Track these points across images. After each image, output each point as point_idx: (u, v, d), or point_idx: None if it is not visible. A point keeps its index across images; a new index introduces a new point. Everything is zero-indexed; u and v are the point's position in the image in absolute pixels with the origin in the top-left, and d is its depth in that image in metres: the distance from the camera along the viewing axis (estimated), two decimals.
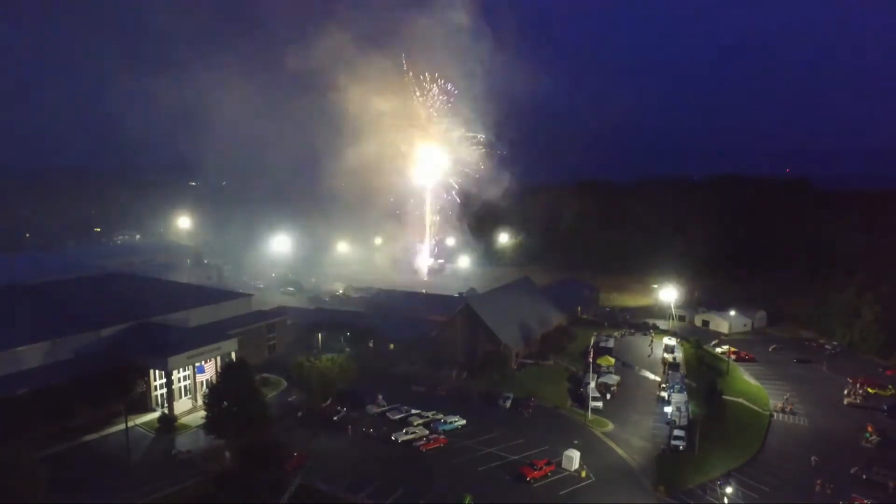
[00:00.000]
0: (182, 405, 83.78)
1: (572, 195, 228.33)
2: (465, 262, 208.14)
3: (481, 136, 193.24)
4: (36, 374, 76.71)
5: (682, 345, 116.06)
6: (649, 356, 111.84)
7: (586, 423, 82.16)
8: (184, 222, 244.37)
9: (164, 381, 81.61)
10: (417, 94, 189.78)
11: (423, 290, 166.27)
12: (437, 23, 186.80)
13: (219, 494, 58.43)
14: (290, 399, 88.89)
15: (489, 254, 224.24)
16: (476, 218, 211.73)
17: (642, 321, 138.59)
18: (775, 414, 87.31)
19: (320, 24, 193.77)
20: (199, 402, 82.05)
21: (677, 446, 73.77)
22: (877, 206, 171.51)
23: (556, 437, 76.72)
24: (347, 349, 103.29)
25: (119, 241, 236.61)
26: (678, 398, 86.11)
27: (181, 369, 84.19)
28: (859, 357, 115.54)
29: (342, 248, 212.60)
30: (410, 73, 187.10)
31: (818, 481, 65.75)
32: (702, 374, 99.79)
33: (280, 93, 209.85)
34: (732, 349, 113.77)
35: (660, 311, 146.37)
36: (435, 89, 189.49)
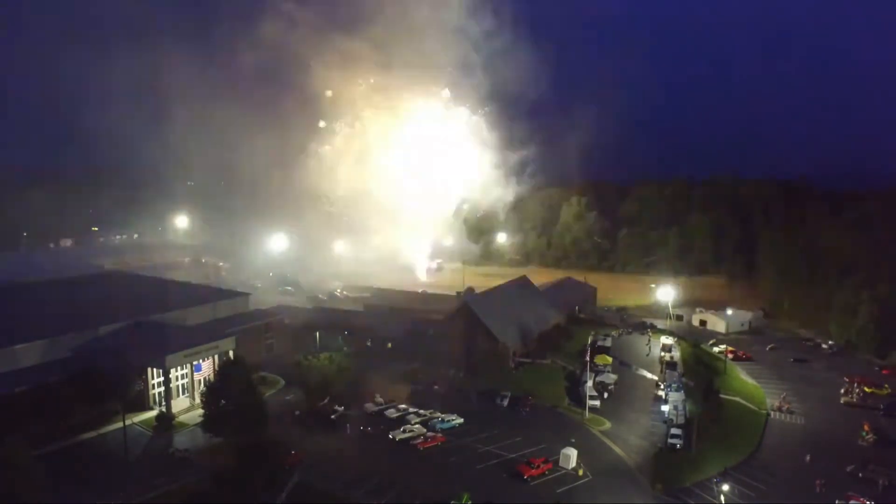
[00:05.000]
0: (179, 403, 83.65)
1: (571, 194, 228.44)
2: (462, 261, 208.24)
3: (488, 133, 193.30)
4: (33, 373, 76.66)
5: (679, 344, 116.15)
6: (647, 355, 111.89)
7: (584, 421, 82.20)
8: (182, 221, 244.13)
9: (161, 379, 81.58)
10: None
11: (421, 290, 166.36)
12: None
13: (216, 493, 58.34)
14: (287, 398, 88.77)
15: (487, 253, 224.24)
16: (475, 217, 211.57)
17: (640, 320, 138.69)
18: (772, 413, 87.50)
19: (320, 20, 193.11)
20: (197, 400, 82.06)
21: (674, 445, 73.82)
22: (875, 205, 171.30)
23: (554, 435, 76.73)
24: (345, 348, 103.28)
25: (117, 240, 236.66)
26: (675, 397, 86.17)
27: (179, 368, 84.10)
28: (856, 356, 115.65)
29: (340, 247, 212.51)
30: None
31: (817, 481, 65.91)
32: (699, 373, 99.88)
33: (278, 91, 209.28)
34: (730, 348, 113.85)
35: (658, 311, 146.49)
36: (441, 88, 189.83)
